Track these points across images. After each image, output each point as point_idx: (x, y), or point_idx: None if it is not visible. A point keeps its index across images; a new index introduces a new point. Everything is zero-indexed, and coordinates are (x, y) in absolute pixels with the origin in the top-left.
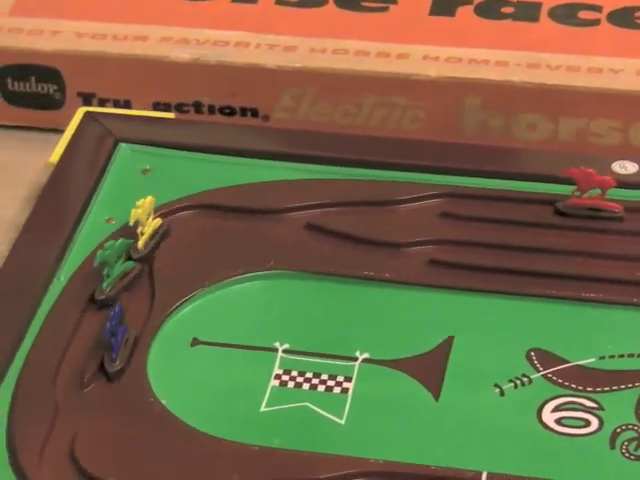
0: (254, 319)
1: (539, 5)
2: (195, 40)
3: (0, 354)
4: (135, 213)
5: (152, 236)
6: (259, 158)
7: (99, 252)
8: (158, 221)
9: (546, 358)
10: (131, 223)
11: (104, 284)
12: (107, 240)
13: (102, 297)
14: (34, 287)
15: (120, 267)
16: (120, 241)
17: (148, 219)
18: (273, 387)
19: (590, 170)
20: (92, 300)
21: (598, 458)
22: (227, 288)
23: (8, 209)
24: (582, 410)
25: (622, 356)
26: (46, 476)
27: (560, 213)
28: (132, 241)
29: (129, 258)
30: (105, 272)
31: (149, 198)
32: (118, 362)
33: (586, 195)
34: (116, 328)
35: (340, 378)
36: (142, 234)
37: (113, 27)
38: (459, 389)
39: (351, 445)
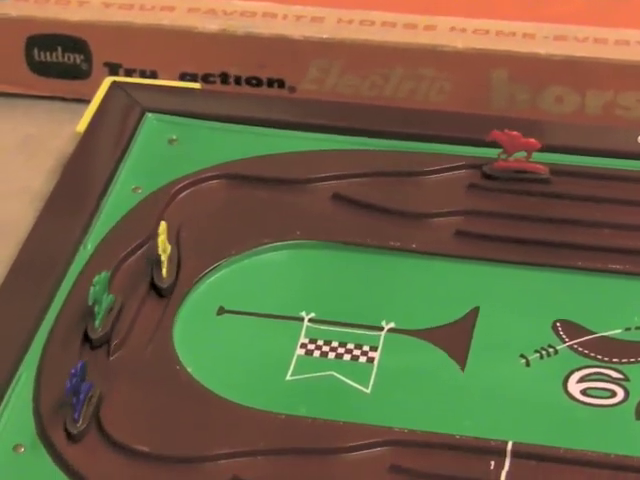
0: (280, 288)
1: None
2: (222, 11)
3: (27, 321)
4: (161, 240)
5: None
6: (286, 129)
7: (91, 290)
8: (168, 246)
9: (572, 329)
10: (160, 252)
11: (96, 322)
12: (92, 273)
13: (96, 337)
14: (61, 255)
15: (106, 301)
16: (103, 274)
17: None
18: (299, 356)
19: (515, 133)
20: (119, 266)
21: (623, 428)
22: (253, 257)
23: (35, 180)
24: (608, 381)
25: None
26: (72, 442)
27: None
28: (111, 272)
29: (155, 288)
30: (96, 309)
31: (163, 223)
32: (81, 422)
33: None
34: (78, 386)
35: (366, 347)
36: (163, 262)
37: None
38: (485, 359)
39: (376, 414)
